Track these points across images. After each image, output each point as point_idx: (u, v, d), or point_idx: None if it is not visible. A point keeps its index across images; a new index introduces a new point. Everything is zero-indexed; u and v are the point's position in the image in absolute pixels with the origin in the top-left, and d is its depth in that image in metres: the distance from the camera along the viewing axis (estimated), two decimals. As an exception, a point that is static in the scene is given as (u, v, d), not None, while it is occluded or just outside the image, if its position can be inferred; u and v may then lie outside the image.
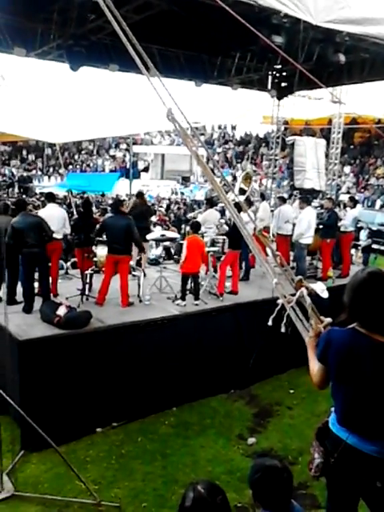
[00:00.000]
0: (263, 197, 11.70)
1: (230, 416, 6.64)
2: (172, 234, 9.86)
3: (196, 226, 7.89)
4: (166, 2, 6.87)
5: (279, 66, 10.76)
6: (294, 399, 7.12)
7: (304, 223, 9.17)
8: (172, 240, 10.13)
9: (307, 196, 11.19)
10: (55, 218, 7.52)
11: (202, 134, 35.10)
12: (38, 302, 6.70)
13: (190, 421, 6.42)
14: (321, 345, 2.63)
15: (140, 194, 10.08)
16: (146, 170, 32.87)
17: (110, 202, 22.07)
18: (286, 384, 7.57)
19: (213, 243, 8.83)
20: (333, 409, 2.70)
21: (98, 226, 7.73)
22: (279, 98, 12.60)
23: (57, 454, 4.67)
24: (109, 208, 19.13)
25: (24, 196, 21.11)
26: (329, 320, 2.83)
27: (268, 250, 3.88)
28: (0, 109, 14.72)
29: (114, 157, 33.56)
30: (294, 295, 3.03)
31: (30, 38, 8.50)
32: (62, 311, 6.10)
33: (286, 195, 15.20)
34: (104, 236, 7.47)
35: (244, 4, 6.33)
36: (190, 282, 7.59)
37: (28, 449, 5.41)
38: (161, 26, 8.37)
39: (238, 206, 5.33)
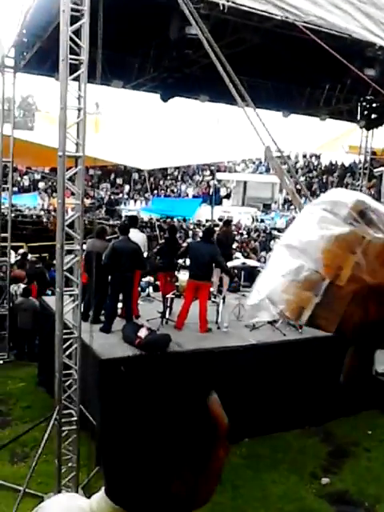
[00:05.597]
0: None
1: (303, 452, 6.46)
2: (253, 262, 9.88)
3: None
4: (257, 36, 7.03)
5: (370, 97, 10.62)
6: (372, 440, 6.81)
7: None
8: (253, 268, 10.14)
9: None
10: (138, 242, 7.79)
11: (286, 163, 35.00)
12: (117, 324, 6.94)
13: (262, 453, 6.32)
14: None
15: (227, 222, 10.25)
16: (227, 196, 33.20)
17: (192, 227, 22.44)
18: (364, 424, 7.26)
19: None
20: None
21: (181, 249, 7.91)
22: (368, 129, 12.36)
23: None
24: (190, 233, 19.48)
25: (110, 219, 22.00)
26: None
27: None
28: (93, 136, 15.54)
29: (197, 183, 34.23)
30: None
31: (127, 71, 9.02)
32: (143, 333, 6.29)
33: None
34: (187, 261, 7.64)
35: (337, 37, 6.37)
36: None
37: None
38: (251, 58, 8.54)
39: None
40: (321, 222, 1.80)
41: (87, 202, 25.00)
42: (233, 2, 5.50)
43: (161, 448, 1.10)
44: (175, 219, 24.01)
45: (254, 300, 1.84)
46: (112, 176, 33.44)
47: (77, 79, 4.94)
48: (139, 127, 18.91)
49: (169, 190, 33.54)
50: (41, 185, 29.77)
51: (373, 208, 1.82)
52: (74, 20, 4.79)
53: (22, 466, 5.34)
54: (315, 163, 34.98)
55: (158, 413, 1.08)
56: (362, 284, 1.70)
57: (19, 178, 28.88)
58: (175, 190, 33.54)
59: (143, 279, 9.65)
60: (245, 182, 33.32)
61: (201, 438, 1.13)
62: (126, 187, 32.69)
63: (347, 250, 1.74)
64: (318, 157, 34.36)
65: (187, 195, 32.57)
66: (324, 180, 32.15)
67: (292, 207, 26.31)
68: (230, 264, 8.97)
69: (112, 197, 30.10)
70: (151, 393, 1.15)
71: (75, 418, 4.86)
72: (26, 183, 29.99)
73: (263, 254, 14.10)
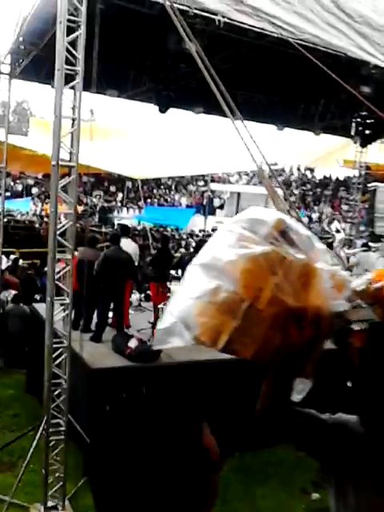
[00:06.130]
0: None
1: (294, 467, 6.44)
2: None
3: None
4: (253, 52, 7.10)
5: (365, 114, 10.73)
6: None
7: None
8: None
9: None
10: (129, 252, 7.79)
11: (280, 175, 35.17)
12: (107, 333, 6.92)
13: (253, 468, 6.29)
14: None
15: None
16: (221, 207, 33.27)
17: (185, 237, 22.47)
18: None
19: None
20: None
21: (175, 260, 7.94)
22: (363, 146, 12.48)
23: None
24: (183, 243, 19.48)
25: (103, 226, 21.98)
26: None
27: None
28: (86, 143, 15.56)
29: (191, 193, 34.29)
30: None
31: (122, 81, 9.07)
32: (133, 344, 6.27)
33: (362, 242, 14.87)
34: (180, 272, 7.66)
35: (332, 55, 6.45)
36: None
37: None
38: (246, 72, 8.63)
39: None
40: (240, 241, 1.63)
41: (80, 208, 24.98)
42: (228, 19, 5.56)
43: (159, 491, 1.09)
44: (168, 228, 24.03)
45: (166, 323, 1.65)
46: (105, 183, 33.45)
47: (72, 88, 4.97)
48: (134, 136, 18.95)
49: (162, 199, 33.59)
50: (34, 190, 29.71)
51: (293, 228, 1.69)
52: (70, 31, 4.82)
53: (8, 475, 5.29)
54: (309, 176, 35.22)
55: (151, 455, 1.09)
56: (282, 307, 1.54)
57: (12, 183, 28.81)
58: (168, 200, 33.59)
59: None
60: (239, 194, 33.46)
61: (196, 474, 1.12)
62: (120, 195, 32.69)
63: (268, 270, 1.57)
64: (312, 170, 34.60)
65: (181, 205, 32.62)
66: (318, 193, 32.36)
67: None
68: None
69: (105, 204, 30.08)
70: (143, 431, 1.16)
71: (63, 429, 4.83)
72: (19, 188, 29.92)
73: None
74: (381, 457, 1.65)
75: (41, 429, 4.72)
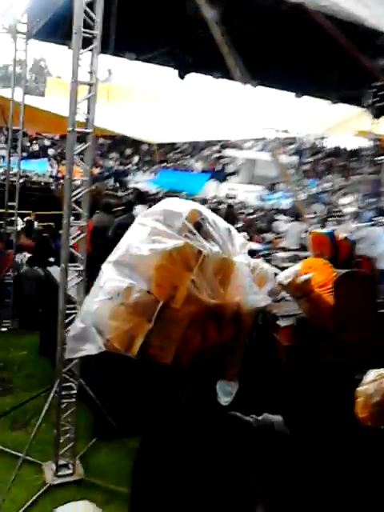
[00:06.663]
0: None
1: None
2: (255, 245, 9.85)
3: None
4: (272, 17, 6.89)
5: (379, 84, 10.45)
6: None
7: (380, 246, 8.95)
8: (254, 253, 10.07)
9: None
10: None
11: (292, 143, 34.62)
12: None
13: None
14: None
15: (230, 206, 10.25)
16: (234, 173, 32.94)
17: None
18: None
19: (294, 258, 8.71)
20: None
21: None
22: (376, 117, 12.22)
23: (125, 445, 4.89)
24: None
25: (119, 189, 21.95)
26: None
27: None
28: (104, 106, 15.40)
29: (206, 158, 33.98)
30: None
31: (140, 43, 8.87)
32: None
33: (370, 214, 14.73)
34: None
35: (349, 24, 6.25)
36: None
37: (100, 437, 5.68)
38: (264, 38, 8.41)
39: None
40: (153, 235, 1.48)
41: (96, 171, 24.91)
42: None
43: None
44: (182, 194, 23.97)
45: (77, 329, 1.52)
46: (122, 146, 33.25)
47: (90, 51, 4.89)
48: (150, 99, 18.67)
49: (177, 162, 33.35)
50: (50, 151, 29.63)
51: (210, 219, 1.55)
52: (88, -8, 4.71)
53: (22, 434, 5.48)
54: (320, 146, 34.67)
55: None
56: (199, 305, 1.42)
57: (29, 144, 28.73)
58: (184, 164, 33.35)
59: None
60: (254, 161, 33.05)
61: None
62: (135, 158, 32.52)
63: (182, 266, 1.43)
64: (323, 139, 34.01)
65: (195, 170, 32.38)
66: (329, 163, 31.92)
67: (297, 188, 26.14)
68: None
69: (121, 167, 29.97)
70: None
71: (75, 392, 4.96)
72: (36, 148, 29.85)
73: (267, 235, 14.08)
74: (304, 457, 1.56)
75: (53, 391, 4.86)
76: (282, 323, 1.54)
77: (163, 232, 1.48)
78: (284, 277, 1.61)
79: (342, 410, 1.54)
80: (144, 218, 1.60)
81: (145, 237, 1.50)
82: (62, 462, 4.96)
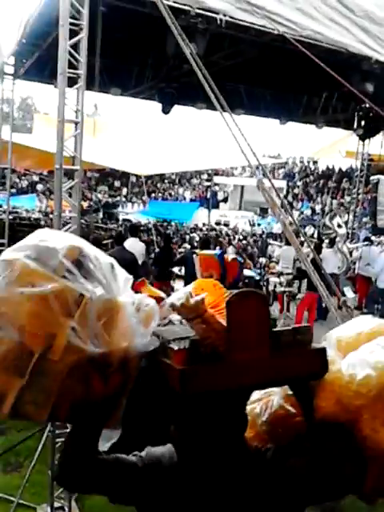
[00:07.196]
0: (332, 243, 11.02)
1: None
2: (248, 272, 9.86)
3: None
4: (255, 49, 7.07)
5: (366, 106, 10.70)
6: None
7: (379, 265, 8.99)
8: (249, 279, 10.05)
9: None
10: (136, 252, 7.83)
11: (283, 167, 35.11)
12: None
13: None
14: None
15: (217, 236, 10.28)
16: (225, 200, 33.27)
17: (189, 231, 22.49)
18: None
19: (289, 283, 8.76)
20: None
21: (177, 257, 7.96)
22: (363, 139, 12.49)
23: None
24: (187, 237, 19.49)
25: (108, 222, 22.02)
26: None
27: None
28: (91, 140, 15.57)
29: (195, 186, 34.30)
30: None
31: (125, 79, 9.07)
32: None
33: (365, 233, 14.88)
34: (182, 270, 7.69)
35: (333, 50, 6.42)
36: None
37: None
38: (249, 68, 8.62)
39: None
40: (23, 276, 1.28)
41: (85, 204, 25.00)
42: (230, 17, 5.54)
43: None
44: (172, 223, 24.08)
45: None
46: (110, 178, 33.49)
47: (76, 89, 4.97)
48: (137, 131, 18.95)
49: (166, 193, 33.61)
50: (39, 187, 29.77)
51: (91, 256, 1.38)
52: (72, 34, 4.82)
53: (15, 476, 5.34)
54: (312, 168, 35.13)
55: None
56: (80, 354, 1.27)
57: (17, 180, 28.88)
58: (172, 194, 33.61)
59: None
60: (242, 187, 33.41)
61: None
62: (124, 190, 32.72)
63: (61, 312, 1.26)
64: (315, 162, 34.51)
65: (185, 198, 32.65)
66: (321, 184, 32.28)
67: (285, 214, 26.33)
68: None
69: (109, 200, 30.12)
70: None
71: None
72: (24, 185, 29.98)
73: (260, 260, 14.12)
74: (195, 486, 1.47)
75: (47, 430, 4.77)
76: (175, 346, 1.40)
77: (35, 272, 1.30)
78: (176, 298, 1.50)
79: (230, 432, 1.47)
80: (11, 254, 1.42)
81: (13, 278, 1.31)
82: (57, 504, 4.82)
